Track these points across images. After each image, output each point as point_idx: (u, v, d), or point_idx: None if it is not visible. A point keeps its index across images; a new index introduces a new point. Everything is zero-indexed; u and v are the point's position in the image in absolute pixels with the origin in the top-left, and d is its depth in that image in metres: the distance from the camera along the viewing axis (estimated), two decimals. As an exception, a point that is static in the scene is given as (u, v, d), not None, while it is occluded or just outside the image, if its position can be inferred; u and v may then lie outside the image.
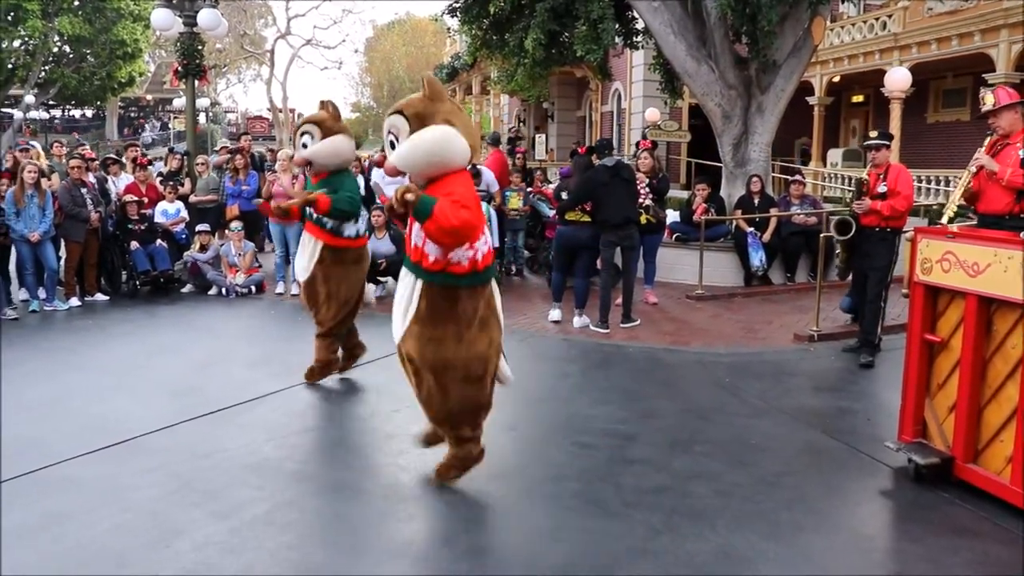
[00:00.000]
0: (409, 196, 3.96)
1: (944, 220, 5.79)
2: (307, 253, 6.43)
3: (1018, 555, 3.81)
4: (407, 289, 4.37)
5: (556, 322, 8.66)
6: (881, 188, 7.09)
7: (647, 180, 9.54)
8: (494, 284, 4.52)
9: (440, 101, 4.32)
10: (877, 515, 4.48)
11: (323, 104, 6.33)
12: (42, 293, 9.72)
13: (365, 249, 6.79)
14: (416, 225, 4.19)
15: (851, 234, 7.29)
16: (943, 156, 18.08)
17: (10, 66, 32.34)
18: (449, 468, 4.58)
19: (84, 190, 9.95)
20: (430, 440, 4.85)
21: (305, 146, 6.13)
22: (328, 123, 6.17)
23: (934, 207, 13.92)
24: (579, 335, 8.27)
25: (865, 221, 7.20)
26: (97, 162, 11.99)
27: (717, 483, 4.64)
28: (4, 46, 31.87)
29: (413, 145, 4.18)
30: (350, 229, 6.37)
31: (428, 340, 4.28)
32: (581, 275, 8.57)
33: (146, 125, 47.26)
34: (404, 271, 4.44)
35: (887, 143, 7.34)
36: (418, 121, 4.21)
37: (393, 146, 4.29)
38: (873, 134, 7.45)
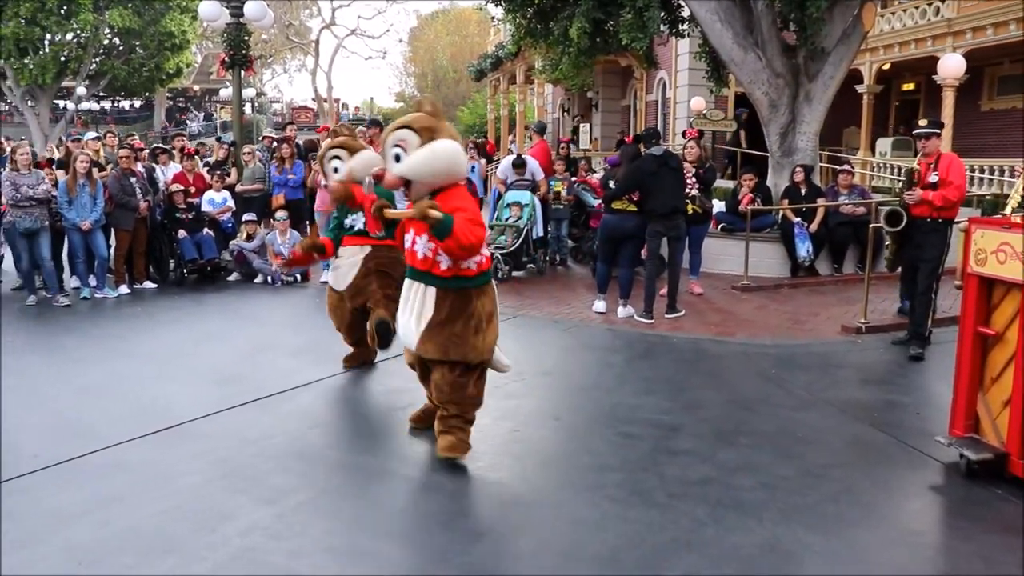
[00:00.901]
0: (436, 213, 4.14)
1: (1008, 210, 5.63)
2: (348, 264, 6.37)
3: (1074, 553, 3.72)
4: (417, 296, 4.64)
5: (600, 313, 8.62)
6: (932, 178, 6.94)
7: (693, 170, 9.44)
8: (493, 283, 4.90)
9: (441, 119, 4.64)
10: (926, 510, 4.39)
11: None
12: (93, 281, 9.90)
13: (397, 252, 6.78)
14: (420, 237, 4.53)
15: (902, 225, 7.15)
16: (998, 145, 17.65)
17: (63, 59, 32.92)
18: (456, 446, 4.74)
19: (133, 179, 10.12)
20: (420, 421, 5.26)
21: (336, 170, 6.10)
22: (355, 145, 6.23)
23: (988, 197, 13.60)
24: (623, 325, 8.22)
25: (916, 212, 7.05)
26: (146, 152, 12.19)
27: (763, 475, 4.59)
28: (57, 39, 32.46)
29: (432, 154, 4.44)
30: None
31: (450, 338, 4.58)
32: (626, 265, 8.52)
33: (187, 118, 47.78)
34: (409, 280, 4.72)
35: (938, 131, 7.17)
36: (428, 134, 4.47)
37: (398, 159, 4.45)
38: (923, 122, 7.29)
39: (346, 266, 6.37)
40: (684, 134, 11.17)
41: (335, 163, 6.11)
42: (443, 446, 4.72)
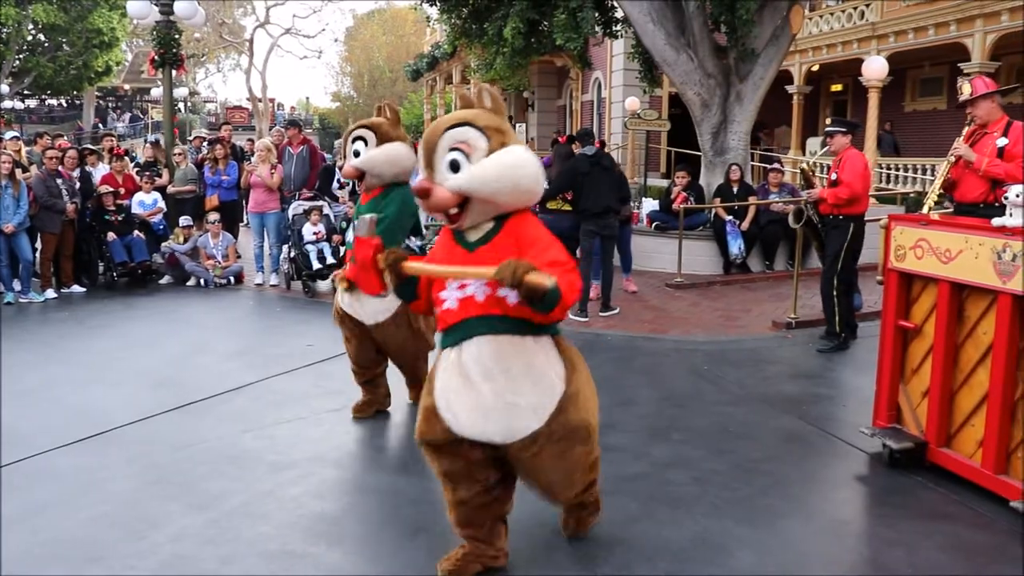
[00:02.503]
0: (547, 282, 2.80)
1: (925, 208, 5.83)
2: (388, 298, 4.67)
3: (991, 538, 3.86)
4: (511, 355, 3.21)
5: None
6: (834, 175, 7.15)
7: None
8: None
9: (503, 115, 3.38)
10: (852, 500, 4.53)
11: (380, 109, 5.43)
12: (17, 285, 9.64)
13: None
14: (471, 284, 3.18)
15: (803, 222, 7.39)
16: (920, 145, 18.20)
17: (-17, 54, 32.00)
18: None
19: (60, 181, 9.86)
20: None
21: (357, 154, 5.20)
22: (384, 128, 5.24)
23: (911, 195, 14.02)
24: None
25: (821, 209, 7.27)
26: (75, 152, 11.89)
27: (695, 470, 4.67)
28: (-22, 35, 31.55)
29: (511, 166, 3.15)
30: (412, 243, 5.56)
31: (584, 397, 3.39)
32: None
33: (111, 116, 46.55)
34: (480, 338, 3.19)
35: (842, 130, 7.26)
36: (500, 138, 3.18)
37: (456, 168, 3.10)
38: (828, 121, 7.47)
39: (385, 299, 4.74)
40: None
41: (358, 145, 5.19)
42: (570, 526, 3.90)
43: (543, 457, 3.26)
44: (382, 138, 5.20)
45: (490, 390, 3.16)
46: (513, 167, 3.14)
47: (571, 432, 3.26)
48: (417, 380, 5.49)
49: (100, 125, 42.24)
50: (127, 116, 47.29)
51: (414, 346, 5.45)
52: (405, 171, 5.24)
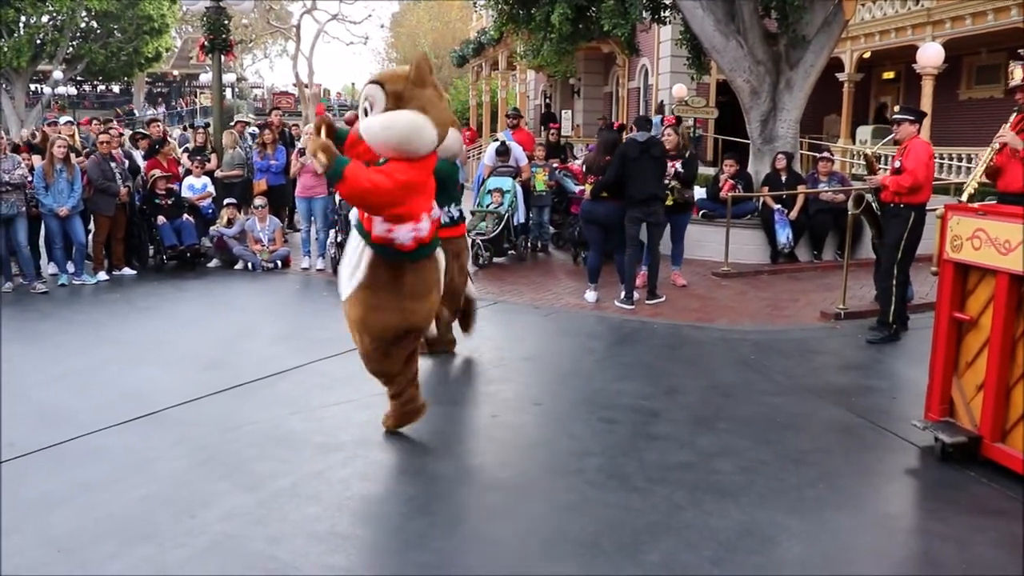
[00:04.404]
0: (322, 158, 4.00)
1: (964, 197, 5.68)
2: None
3: (1045, 535, 3.78)
4: (356, 252, 4.52)
5: (592, 303, 8.56)
6: (897, 164, 7.01)
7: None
8: (439, 252, 4.78)
9: (422, 87, 4.28)
10: (902, 493, 4.45)
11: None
12: (71, 267, 9.83)
13: (464, 240, 6.65)
14: None
15: (863, 207, 7.28)
16: (975, 134, 17.78)
17: (38, 42, 32.46)
18: (389, 417, 4.98)
19: (113, 164, 10.02)
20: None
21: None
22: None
23: (963, 185, 13.70)
24: (603, 311, 8.24)
25: (883, 197, 7.14)
26: (125, 137, 12.09)
27: (741, 460, 4.63)
28: (32, 22, 32.00)
29: (384, 126, 4.19)
30: (452, 210, 6.04)
31: (371, 308, 4.50)
32: (595, 250, 8.58)
33: (146, 104, 47.18)
34: (354, 232, 4.56)
35: (910, 118, 7.13)
36: (395, 100, 4.18)
37: (367, 113, 4.27)
38: (896, 108, 7.33)
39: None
40: (662, 121, 11.19)
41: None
42: (383, 419, 5.05)
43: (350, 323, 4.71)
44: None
45: (347, 271, 4.56)
46: (387, 125, 4.15)
47: (352, 319, 4.64)
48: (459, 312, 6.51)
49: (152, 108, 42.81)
50: (161, 109, 47.88)
51: (462, 279, 6.28)
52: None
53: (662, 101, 20.11)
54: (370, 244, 4.42)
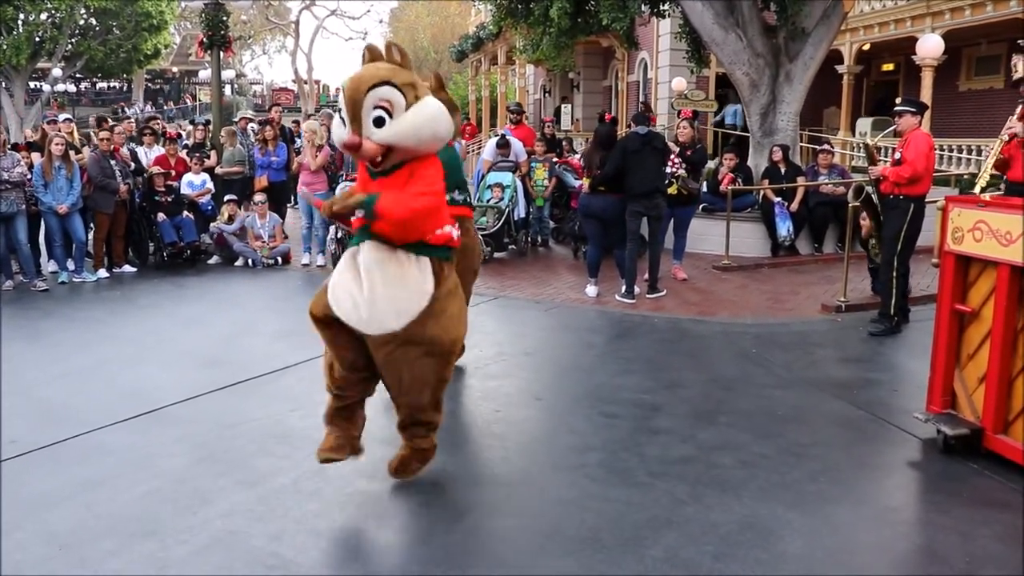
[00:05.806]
0: (353, 201, 3.65)
1: (976, 189, 5.67)
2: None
3: (1048, 527, 3.77)
4: (394, 265, 3.73)
5: (593, 297, 8.55)
6: (898, 155, 6.99)
7: (679, 150, 9.36)
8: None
9: (410, 68, 3.79)
10: (904, 486, 4.45)
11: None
12: (71, 264, 9.82)
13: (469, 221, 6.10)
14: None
15: (862, 198, 7.29)
16: (975, 125, 17.75)
17: (37, 39, 32.42)
18: (410, 462, 4.22)
19: (113, 161, 10.01)
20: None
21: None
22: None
23: (965, 176, 13.68)
24: (604, 305, 8.23)
25: (882, 188, 7.13)
26: (126, 134, 12.05)
27: (742, 454, 4.62)
28: (32, 19, 31.96)
29: (424, 118, 3.65)
30: (456, 196, 5.57)
31: (451, 317, 3.88)
32: (594, 244, 8.57)
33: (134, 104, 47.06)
34: (368, 242, 3.76)
35: (911, 109, 7.09)
36: (413, 91, 3.65)
37: (381, 124, 3.57)
38: (899, 100, 7.32)
39: None
40: (679, 114, 11.22)
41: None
42: (394, 466, 4.23)
43: (396, 356, 3.81)
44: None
45: (367, 285, 3.69)
46: (431, 120, 3.68)
47: (426, 342, 3.78)
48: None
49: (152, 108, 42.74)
50: (147, 107, 47.75)
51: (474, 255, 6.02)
52: (445, 137, 4.04)
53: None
54: (421, 251, 3.78)
